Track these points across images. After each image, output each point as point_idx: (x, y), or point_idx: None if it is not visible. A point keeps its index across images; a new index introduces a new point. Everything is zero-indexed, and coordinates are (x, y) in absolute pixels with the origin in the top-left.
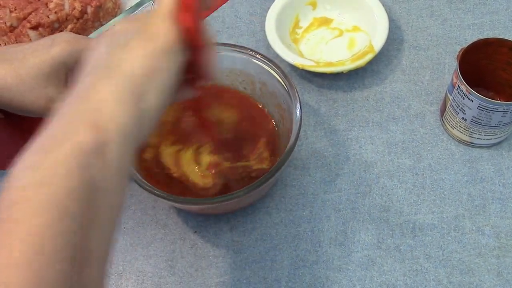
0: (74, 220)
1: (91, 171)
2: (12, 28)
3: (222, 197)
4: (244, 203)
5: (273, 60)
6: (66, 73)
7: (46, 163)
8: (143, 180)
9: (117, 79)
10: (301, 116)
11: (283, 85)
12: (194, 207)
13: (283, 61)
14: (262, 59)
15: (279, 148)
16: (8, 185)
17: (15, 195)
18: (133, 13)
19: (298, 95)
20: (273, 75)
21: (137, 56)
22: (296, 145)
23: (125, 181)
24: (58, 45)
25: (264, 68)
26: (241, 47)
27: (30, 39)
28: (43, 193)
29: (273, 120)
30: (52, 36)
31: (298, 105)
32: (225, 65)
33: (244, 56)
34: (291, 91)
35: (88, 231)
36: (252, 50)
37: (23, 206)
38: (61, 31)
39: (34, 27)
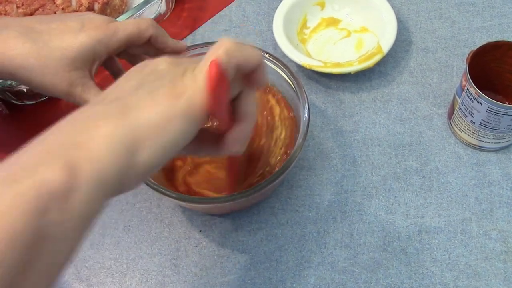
0: (8, 270)
1: (46, 218)
2: None
3: (227, 197)
4: (249, 202)
5: (281, 59)
6: (93, 58)
7: (3, 196)
8: (149, 179)
9: (121, 122)
10: (309, 116)
11: (291, 85)
12: (199, 207)
13: (290, 61)
14: (270, 58)
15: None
16: None
17: None
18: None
19: (306, 95)
20: (281, 75)
21: (155, 109)
22: (303, 146)
23: (83, 229)
24: (87, 31)
25: (272, 67)
26: None
27: None
28: None
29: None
30: (81, 17)
31: (306, 105)
32: None
33: None
34: (299, 91)
35: (23, 279)
36: (260, 49)
37: None
38: None
39: None
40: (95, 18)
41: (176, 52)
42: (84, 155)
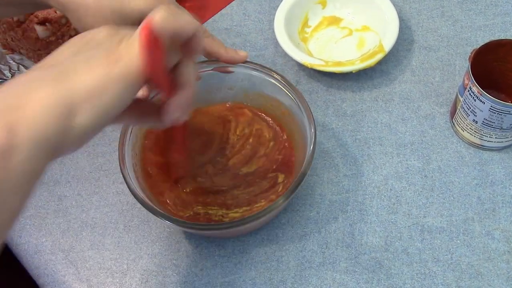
0: None
1: None
2: (19, 23)
3: (234, 222)
4: (259, 225)
5: (288, 80)
6: (135, 23)
7: None
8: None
9: (59, 88)
10: (314, 148)
11: (300, 109)
12: (205, 233)
13: (292, 60)
14: (278, 78)
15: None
16: None
17: None
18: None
19: (313, 118)
20: (293, 99)
21: (91, 73)
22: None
23: (26, 187)
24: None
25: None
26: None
27: (37, 35)
28: None
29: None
30: None
31: (313, 130)
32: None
33: (260, 75)
34: (306, 113)
35: None
36: (266, 68)
37: None
38: (68, 26)
39: (41, 22)
40: None
41: (232, 63)
42: (22, 117)
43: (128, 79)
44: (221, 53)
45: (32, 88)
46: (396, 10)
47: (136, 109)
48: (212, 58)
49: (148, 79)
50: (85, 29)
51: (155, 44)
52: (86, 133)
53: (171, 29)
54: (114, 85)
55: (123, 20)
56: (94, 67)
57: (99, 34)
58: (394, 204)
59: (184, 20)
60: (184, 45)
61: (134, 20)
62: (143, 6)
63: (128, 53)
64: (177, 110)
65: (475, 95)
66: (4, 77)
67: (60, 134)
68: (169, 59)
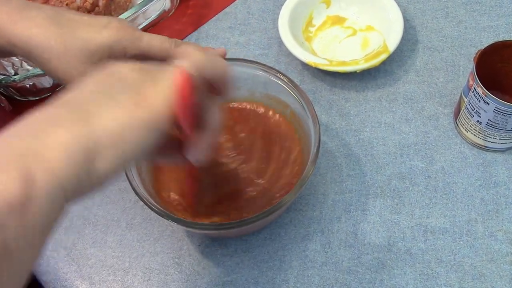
0: None
1: (4, 233)
2: None
3: (236, 222)
4: (257, 227)
5: (292, 80)
6: (109, 57)
7: None
8: (156, 205)
9: (80, 129)
10: (318, 148)
11: (305, 111)
12: (210, 233)
13: (296, 59)
14: (281, 77)
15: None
16: None
17: None
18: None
19: (317, 118)
20: (298, 101)
21: (115, 117)
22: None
23: (43, 236)
24: (112, 29)
25: (278, 83)
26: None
27: None
28: None
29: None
30: (109, 18)
31: (317, 137)
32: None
33: (265, 75)
34: (311, 115)
35: None
36: (273, 69)
37: None
38: None
39: None
40: (124, 21)
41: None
42: (41, 164)
43: (155, 124)
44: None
45: (50, 129)
46: (400, 10)
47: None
48: None
49: (176, 123)
50: (51, 73)
51: (189, 89)
52: (107, 178)
53: (209, 75)
54: (140, 130)
55: (89, 58)
56: (118, 110)
57: (123, 70)
58: (397, 204)
59: (217, 65)
60: (213, 86)
61: (101, 56)
62: (108, 40)
63: (157, 98)
64: (197, 152)
65: (479, 96)
66: (7, 74)
67: (80, 181)
68: (198, 101)
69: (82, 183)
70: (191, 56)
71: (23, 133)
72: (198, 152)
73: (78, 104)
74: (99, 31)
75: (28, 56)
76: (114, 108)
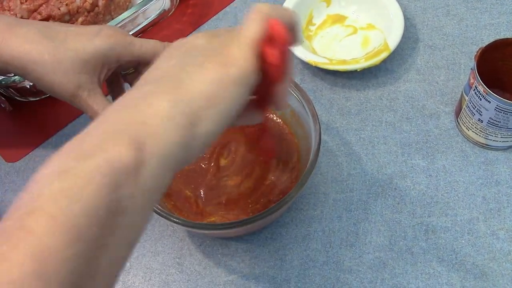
0: (87, 245)
1: (119, 193)
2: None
3: (236, 222)
4: (263, 224)
5: (293, 79)
6: (103, 64)
7: (77, 172)
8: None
9: (177, 96)
10: (318, 147)
11: (306, 110)
12: (211, 233)
13: (296, 57)
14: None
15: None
16: (32, 187)
17: (37, 202)
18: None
19: (318, 118)
20: (299, 100)
21: (206, 79)
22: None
23: (152, 203)
24: (103, 37)
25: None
26: None
27: None
28: (63, 209)
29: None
30: (100, 26)
31: (318, 136)
32: None
33: None
34: (311, 114)
35: (100, 253)
36: None
37: (40, 220)
38: (71, 23)
39: (45, 19)
40: (113, 28)
41: None
42: (148, 132)
43: (246, 79)
44: None
45: (148, 100)
46: (401, 8)
47: None
48: None
49: (269, 72)
50: (46, 87)
51: (284, 31)
52: (209, 140)
53: (287, 22)
54: (232, 87)
55: (83, 67)
56: (208, 72)
57: (199, 40)
58: (398, 203)
59: (287, 12)
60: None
61: (95, 64)
62: (101, 48)
63: (241, 54)
64: (286, 96)
65: (480, 94)
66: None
67: (185, 146)
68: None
69: (186, 149)
70: (265, 9)
71: (123, 107)
72: (284, 96)
73: (168, 76)
74: (91, 39)
75: (23, 72)
76: (203, 71)
